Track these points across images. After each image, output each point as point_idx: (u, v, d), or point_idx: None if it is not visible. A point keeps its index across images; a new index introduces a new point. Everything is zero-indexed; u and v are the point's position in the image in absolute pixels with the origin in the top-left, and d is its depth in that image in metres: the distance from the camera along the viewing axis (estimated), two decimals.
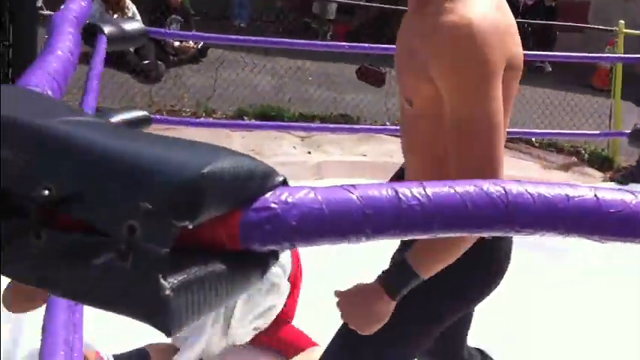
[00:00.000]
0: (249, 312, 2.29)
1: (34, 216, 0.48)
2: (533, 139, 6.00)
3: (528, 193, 0.56)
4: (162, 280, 0.45)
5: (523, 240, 1.00)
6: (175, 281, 0.45)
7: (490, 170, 1.27)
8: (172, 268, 0.46)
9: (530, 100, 6.63)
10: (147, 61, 6.13)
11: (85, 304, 0.50)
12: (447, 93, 1.29)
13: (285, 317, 2.43)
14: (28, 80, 0.88)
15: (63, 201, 0.47)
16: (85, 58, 2.25)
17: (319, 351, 2.07)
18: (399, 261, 1.35)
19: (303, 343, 2.40)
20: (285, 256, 2.37)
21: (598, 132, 5.12)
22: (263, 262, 0.55)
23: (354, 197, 0.54)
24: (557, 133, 5.20)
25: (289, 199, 0.52)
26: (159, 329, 0.46)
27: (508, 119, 1.42)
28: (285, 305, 2.39)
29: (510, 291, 2.70)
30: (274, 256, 0.56)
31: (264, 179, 0.52)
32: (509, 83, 1.34)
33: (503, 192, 0.56)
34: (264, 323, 2.36)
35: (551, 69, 8.81)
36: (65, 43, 1.22)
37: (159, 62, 6.24)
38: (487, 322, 2.59)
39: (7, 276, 0.50)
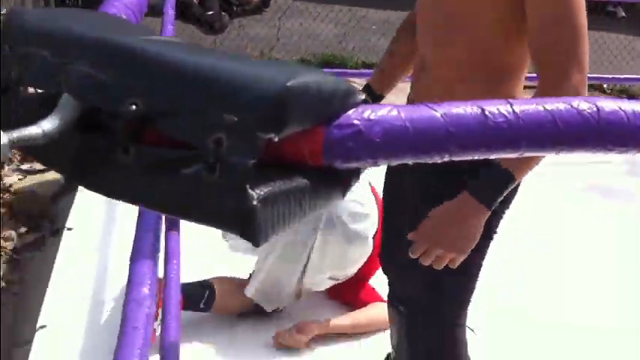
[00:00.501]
0: (326, 258, 2.23)
1: (121, 132, 0.48)
2: (605, 85, 5.79)
3: (622, 110, 0.54)
4: (250, 191, 0.45)
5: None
6: (262, 193, 0.46)
7: (583, 63, 1.26)
8: (259, 180, 0.46)
9: (603, 45, 6.37)
10: (211, 12, 6.13)
11: (176, 217, 0.51)
12: None
13: (364, 274, 2.36)
14: (106, 8, 0.89)
15: (150, 116, 0.48)
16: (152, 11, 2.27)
17: (382, 307, 2.06)
18: (491, 168, 1.27)
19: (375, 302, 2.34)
20: (375, 213, 2.30)
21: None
22: (345, 181, 0.55)
23: (438, 115, 0.53)
24: (629, 79, 5.00)
25: (372, 116, 0.51)
26: (247, 239, 0.46)
27: None
28: (367, 262, 2.31)
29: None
30: (356, 174, 0.55)
31: (346, 97, 0.51)
32: None
33: (595, 109, 0.54)
34: (343, 275, 2.31)
35: (624, 14, 8.40)
36: None
37: (223, 13, 6.23)
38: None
39: (101, 193, 0.51)
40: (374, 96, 1.77)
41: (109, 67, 0.49)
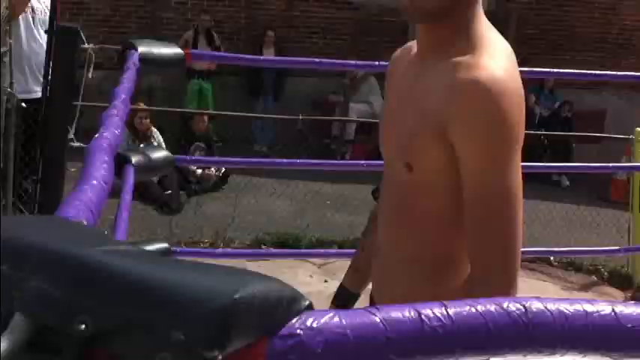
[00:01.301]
0: None
1: (70, 353, 0.48)
2: (552, 258, 5.87)
3: (548, 310, 0.57)
4: None
5: None
6: None
7: (514, 249, 1.15)
8: None
9: (548, 216, 6.61)
10: (169, 192, 6.25)
11: None
12: (470, 160, 1.14)
13: None
14: (65, 211, 0.91)
15: (100, 335, 0.48)
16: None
17: None
18: None
19: None
20: None
21: (617, 248, 5.02)
22: None
23: (378, 320, 0.56)
24: (576, 251, 5.07)
25: (315, 324, 0.52)
26: None
27: None
28: None
29: None
30: None
31: (291, 303, 0.52)
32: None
33: (523, 310, 0.57)
34: None
35: (568, 183, 8.77)
36: (100, 172, 1.24)
37: (181, 192, 6.37)
38: None
39: None
40: (350, 296, 1.71)
41: (62, 282, 0.50)
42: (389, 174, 1.37)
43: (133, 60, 2.54)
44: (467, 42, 1.20)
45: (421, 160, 1.22)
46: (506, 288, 1.14)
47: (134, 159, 2.78)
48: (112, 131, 1.65)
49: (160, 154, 2.99)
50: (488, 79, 1.12)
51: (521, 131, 1.16)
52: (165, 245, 3.07)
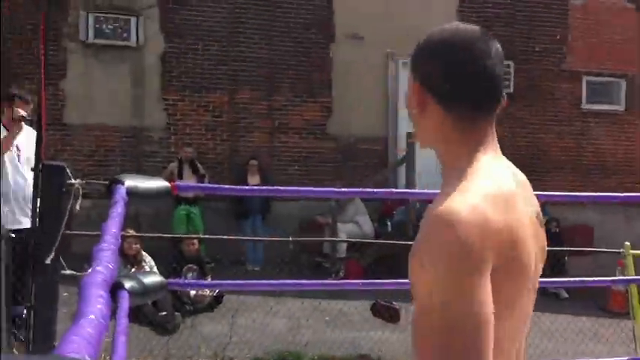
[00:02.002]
0: None
1: None
2: None
3: None
4: None
5: None
6: None
7: None
8: None
9: (552, 327, 6.49)
10: (164, 313, 6.15)
11: None
12: (420, 288, 1.13)
13: None
14: (66, 347, 0.87)
15: None
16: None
17: None
18: None
19: None
20: None
21: (630, 358, 4.89)
22: None
23: None
24: None
25: None
26: None
27: (509, 329, 1.21)
28: None
29: None
30: None
31: None
32: (500, 287, 1.14)
33: None
34: None
35: (567, 295, 8.73)
36: (96, 307, 1.24)
37: (176, 313, 6.26)
38: None
39: None
40: None
41: None
42: None
43: (121, 194, 2.54)
44: (454, 176, 1.24)
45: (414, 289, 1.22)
46: None
47: (127, 285, 2.72)
48: (105, 265, 1.65)
49: (153, 278, 2.93)
50: (444, 210, 1.14)
51: (483, 259, 1.12)
52: None
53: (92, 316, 1.11)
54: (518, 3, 10.49)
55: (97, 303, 1.23)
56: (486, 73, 1.26)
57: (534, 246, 1.26)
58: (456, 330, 1.08)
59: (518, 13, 10.48)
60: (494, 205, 1.18)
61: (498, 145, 1.32)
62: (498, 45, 1.31)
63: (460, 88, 1.26)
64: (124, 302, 2.56)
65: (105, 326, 1.17)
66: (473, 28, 1.32)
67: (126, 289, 2.68)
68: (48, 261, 2.95)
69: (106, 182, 3.16)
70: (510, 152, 9.12)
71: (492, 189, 1.21)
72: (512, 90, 10.28)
